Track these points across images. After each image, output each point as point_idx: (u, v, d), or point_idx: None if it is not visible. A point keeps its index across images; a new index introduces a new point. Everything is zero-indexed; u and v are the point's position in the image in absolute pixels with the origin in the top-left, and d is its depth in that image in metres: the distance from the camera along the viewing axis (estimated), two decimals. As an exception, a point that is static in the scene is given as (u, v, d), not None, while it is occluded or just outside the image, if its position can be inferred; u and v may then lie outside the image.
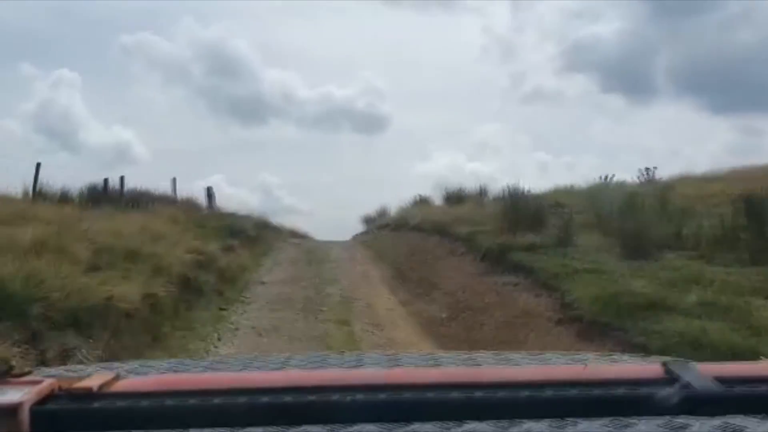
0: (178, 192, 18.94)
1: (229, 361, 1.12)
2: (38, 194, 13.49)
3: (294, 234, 22.89)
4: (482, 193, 22.07)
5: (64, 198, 15.09)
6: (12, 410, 0.58)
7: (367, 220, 26.72)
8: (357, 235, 23.81)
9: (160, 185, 17.89)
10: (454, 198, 21.73)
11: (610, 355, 1.10)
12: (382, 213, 25.69)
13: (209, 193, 20.40)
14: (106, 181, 16.48)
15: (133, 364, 1.06)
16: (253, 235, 16.12)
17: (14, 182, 12.24)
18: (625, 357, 1.07)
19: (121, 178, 17.34)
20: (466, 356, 1.04)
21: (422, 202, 24.73)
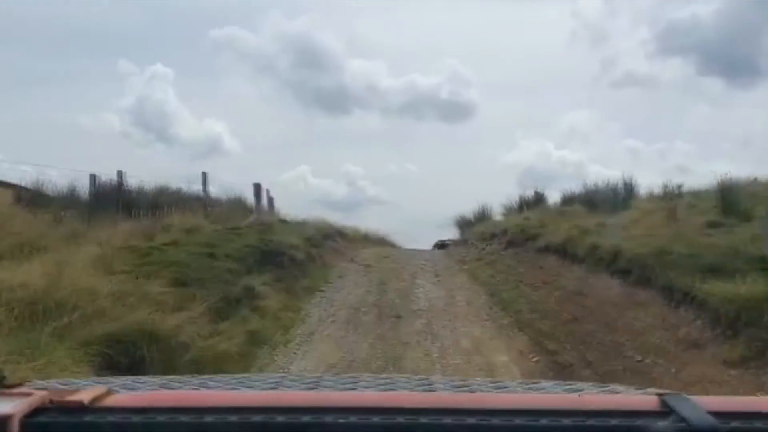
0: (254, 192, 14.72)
1: (223, 379, 1.00)
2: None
3: (367, 241, 17.31)
4: (629, 188, 15.47)
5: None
6: (2, 422, 0.60)
7: (462, 224, 20.62)
8: (450, 245, 18.16)
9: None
10: (583, 199, 15.28)
11: (607, 385, 0.97)
12: (482, 216, 19.68)
13: (257, 191, 14.95)
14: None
15: (126, 380, 0.97)
16: (300, 258, 10.53)
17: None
18: (621, 388, 0.96)
19: (119, 173, 12.24)
20: (461, 382, 0.95)
21: (537, 202, 18.35)
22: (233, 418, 0.61)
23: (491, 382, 0.95)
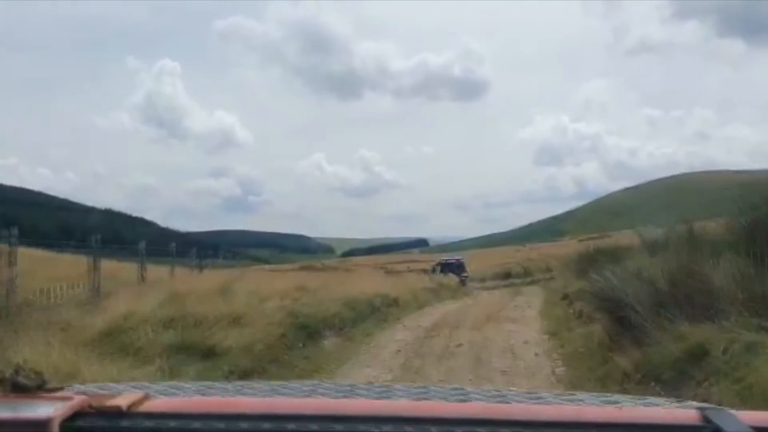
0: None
1: (258, 386, 1.05)
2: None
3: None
4: None
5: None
6: (42, 425, 0.61)
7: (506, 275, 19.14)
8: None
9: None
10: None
11: (645, 398, 0.97)
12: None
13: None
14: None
15: (163, 385, 1.01)
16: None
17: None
18: (660, 401, 0.95)
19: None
20: (496, 392, 0.95)
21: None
22: (267, 425, 0.63)
23: (526, 393, 0.93)
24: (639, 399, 0.93)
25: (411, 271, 38.76)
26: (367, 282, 15.72)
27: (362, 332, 10.26)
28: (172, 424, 0.63)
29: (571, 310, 11.54)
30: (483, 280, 39.35)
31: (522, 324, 11.53)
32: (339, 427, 0.62)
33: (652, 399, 0.94)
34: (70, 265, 12.60)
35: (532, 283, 29.64)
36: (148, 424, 0.64)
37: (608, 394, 0.96)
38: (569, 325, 10.03)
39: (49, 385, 0.71)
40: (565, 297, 14.32)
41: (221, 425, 0.63)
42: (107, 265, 12.02)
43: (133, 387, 0.90)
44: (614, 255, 11.83)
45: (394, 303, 14.02)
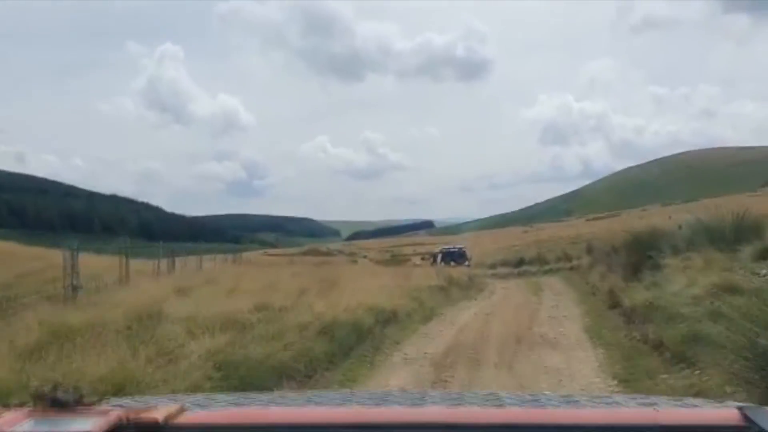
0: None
1: (292, 396, 1.05)
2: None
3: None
4: None
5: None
6: None
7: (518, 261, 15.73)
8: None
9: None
10: None
11: (681, 398, 0.95)
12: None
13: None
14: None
15: (198, 397, 1.01)
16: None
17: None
18: (698, 401, 0.92)
19: None
20: (531, 397, 0.94)
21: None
22: None
23: (561, 397, 0.92)
24: (677, 400, 0.89)
25: (417, 261, 35.51)
26: (362, 285, 12.45)
27: (340, 378, 7.01)
28: None
29: (637, 335, 8.26)
30: (493, 266, 36.04)
31: (567, 353, 8.27)
32: None
33: (690, 399, 0.90)
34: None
35: (549, 272, 26.25)
36: None
37: (645, 396, 0.90)
38: (649, 369, 6.73)
39: (87, 400, 0.73)
40: (614, 305, 11.06)
41: None
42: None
43: (169, 399, 0.90)
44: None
45: (392, 317, 10.77)
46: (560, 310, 12.95)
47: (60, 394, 0.72)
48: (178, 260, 21.16)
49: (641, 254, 12.46)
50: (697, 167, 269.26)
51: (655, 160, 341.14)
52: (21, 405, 0.73)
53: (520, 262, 32.59)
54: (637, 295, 9.63)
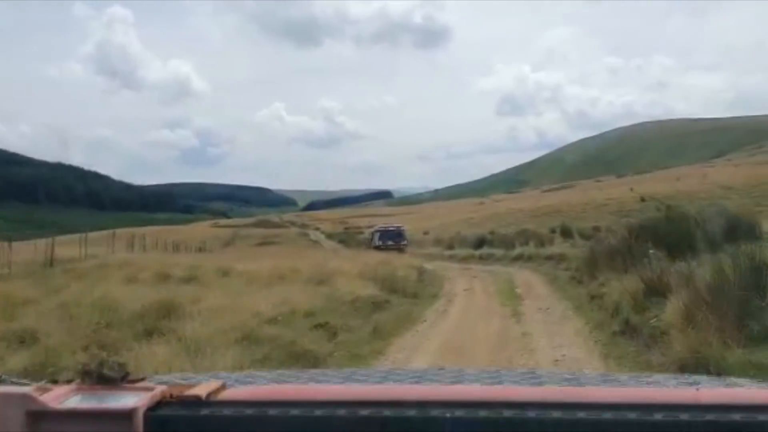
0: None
1: (331, 373, 1.08)
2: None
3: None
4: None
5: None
6: (128, 415, 0.65)
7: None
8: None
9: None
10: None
11: (724, 378, 0.97)
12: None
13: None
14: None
15: (240, 374, 1.05)
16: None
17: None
18: (741, 380, 0.92)
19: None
20: (570, 375, 0.93)
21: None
22: (342, 411, 0.64)
23: (600, 375, 0.92)
24: (718, 379, 0.90)
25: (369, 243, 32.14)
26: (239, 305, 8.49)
27: None
28: (250, 411, 0.65)
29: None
30: (451, 246, 33.19)
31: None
32: (411, 412, 0.62)
33: (732, 379, 0.90)
34: None
35: (519, 260, 22.43)
36: (227, 412, 0.66)
37: (686, 376, 0.92)
38: None
39: (132, 377, 0.75)
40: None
41: (296, 412, 0.64)
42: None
43: (211, 377, 0.90)
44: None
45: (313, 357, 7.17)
46: (559, 343, 7.48)
47: (106, 371, 0.75)
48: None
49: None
50: (650, 139, 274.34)
51: (610, 131, 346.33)
52: (68, 381, 0.75)
53: (481, 242, 29.73)
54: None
